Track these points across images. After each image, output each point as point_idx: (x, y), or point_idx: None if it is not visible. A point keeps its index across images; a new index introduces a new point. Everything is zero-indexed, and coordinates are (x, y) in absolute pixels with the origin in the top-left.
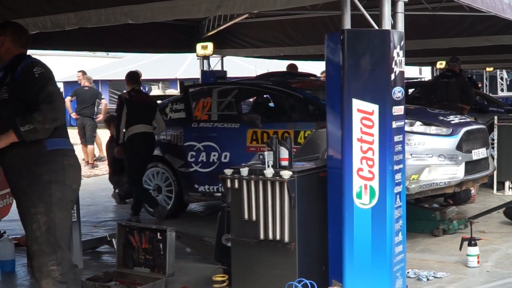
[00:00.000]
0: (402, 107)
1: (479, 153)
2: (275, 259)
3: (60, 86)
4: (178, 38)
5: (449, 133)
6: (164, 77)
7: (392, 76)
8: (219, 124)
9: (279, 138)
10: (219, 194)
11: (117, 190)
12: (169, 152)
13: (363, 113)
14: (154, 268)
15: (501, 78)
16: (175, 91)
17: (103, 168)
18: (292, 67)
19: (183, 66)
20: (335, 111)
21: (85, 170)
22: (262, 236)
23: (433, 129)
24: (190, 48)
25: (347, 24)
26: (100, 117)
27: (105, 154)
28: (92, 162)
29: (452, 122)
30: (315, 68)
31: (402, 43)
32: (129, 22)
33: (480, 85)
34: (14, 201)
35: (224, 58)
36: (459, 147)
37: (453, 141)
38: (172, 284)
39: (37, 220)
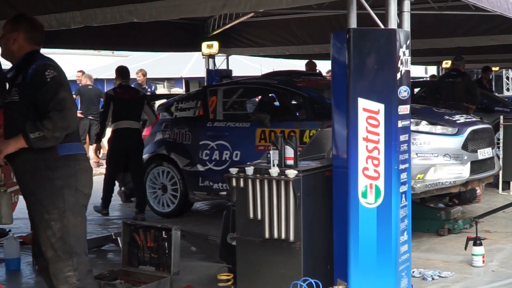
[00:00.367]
0: (407, 106)
1: (484, 153)
2: (280, 258)
3: None
4: (183, 37)
5: (454, 132)
6: (169, 76)
7: (398, 75)
8: (231, 123)
9: (285, 137)
10: None
11: (123, 188)
12: (174, 151)
13: (369, 112)
14: (159, 266)
15: (507, 78)
16: (180, 90)
17: None
18: (310, 64)
19: (189, 65)
20: (341, 110)
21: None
22: (267, 235)
23: (438, 129)
24: (195, 47)
25: (353, 23)
26: None
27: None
28: (97, 160)
29: (458, 121)
30: (321, 67)
31: (408, 42)
32: (134, 20)
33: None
34: (20, 200)
35: (229, 57)
36: (464, 146)
37: (459, 140)
38: (177, 282)
39: (51, 226)
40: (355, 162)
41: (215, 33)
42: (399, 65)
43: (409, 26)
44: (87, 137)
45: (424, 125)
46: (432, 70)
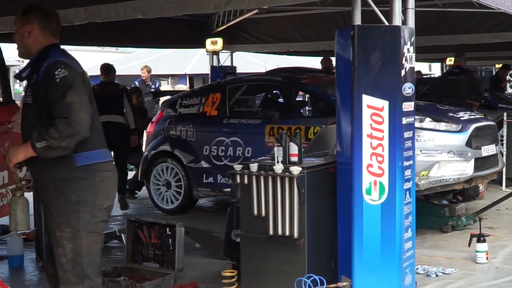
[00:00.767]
0: (412, 103)
1: (488, 150)
2: (284, 255)
3: None
4: (187, 34)
5: (458, 129)
6: (173, 72)
7: (403, 72)
8: (244, 120)
9: (291, 133)
10: None
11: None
12: (178, 148)
13: (373, 109)
14: (163, 263)
15: (511, 75)
16: (184, 87)
17: None
18: (326, 61)
19: (193, 61)
20: (345, 107)
21: None
22: (271, 232)
23: (442, 126)
24: (199, 43)
25: (358, 20)
26: None
27: None
28: None
29: (462, 118)
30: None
31: (412, 39)
32: (138, 17)
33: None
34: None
35: (233, 54)
36: (468, 143)
37: (463, 137)
38: (181, 279)
39: (63, 245)
40: (359, 159)
41: (219, 29)
42: (403, 62)
43: (414, 23)
44: None
45: (428, 122)
46: (436, 67)
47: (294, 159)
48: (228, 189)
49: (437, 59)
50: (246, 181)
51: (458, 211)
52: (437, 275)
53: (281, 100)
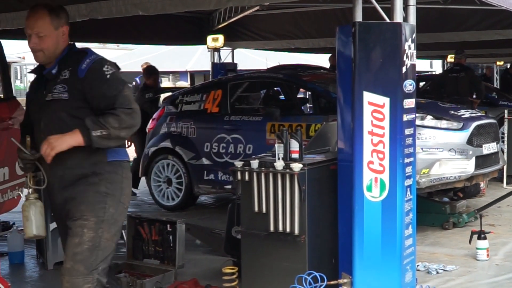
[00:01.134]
0: (413, 100)
1: (489, 148)
2: (285, 251)
3: None
4: (188, 30)
5: (459, 127)
6: (174, 69)
7: (404, 69)
8: (245, 117)
9: (293, 130)
10: None
11: None
12: (179, 144)
13: (374, 106)
14: (163, 260)
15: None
16: (185, 83)
17: None
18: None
19: (194, 58)
20: (346, 104)
21: None
22: (272, 229)
23: (444, 123)
24: (200, 40)
25: (359, 17)
26: None
27: None
28: None
29: (463, 116)
30: (325, 61)
31: (413, 36)
32: (139, 13)
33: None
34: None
35: (234, 51)
36: (469, 141)
37: (464, 135)
38: (181, 276)
39: (82, 234)
40: (360, 156)
41: (220, 26)
42: (404, 58)
43: (415, 20)
44: None
45: (429, 120)
46: (437, 64)
47: (295, 155)
48: (229, 186)
49: (438, 56)
50: (246, 177)
51: (459, 208)
52: (437, 272)
53: (282, 96)
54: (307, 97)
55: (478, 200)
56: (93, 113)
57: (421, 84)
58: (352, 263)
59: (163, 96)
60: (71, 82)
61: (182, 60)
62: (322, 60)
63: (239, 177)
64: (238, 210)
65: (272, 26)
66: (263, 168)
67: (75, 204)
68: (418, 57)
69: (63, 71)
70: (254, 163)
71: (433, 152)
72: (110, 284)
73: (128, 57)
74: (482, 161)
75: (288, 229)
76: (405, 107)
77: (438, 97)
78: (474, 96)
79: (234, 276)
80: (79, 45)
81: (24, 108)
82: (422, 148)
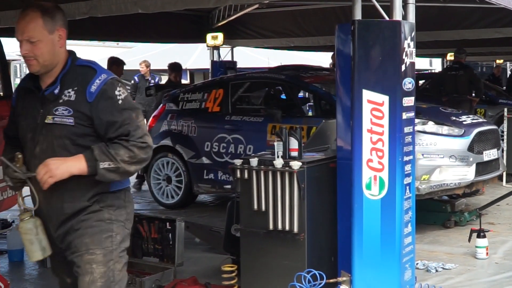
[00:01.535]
0: (412, 98)
1: (490, 154)
2: (284, 249)
3: None
4: (188, 28)
5: (461, 133)
6: None
7: (403, 67)
8: (246, 117)
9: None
10: None
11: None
12: (180, 143)
13: (373, 104)
14: (163, 258)
15: (511, 70)
16: (184, 81)
17: None
18: None
19: (193, 56)
20: (345, 102)
21: None
22: (271, 227)
23: (445, 129)
24: (200, 38)
25: (358, 15)
26: None
27: None
28: None
29: (464, 122)
30: (326, 59)
31: (413, 34)
32: (139, 11)
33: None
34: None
35: (234, 49)
36: (470, 148)
37: (465, 142)
38: (181, 274)
39: (92, 271)
40: (359, 154)
41: (220, 24)
42: (403, 57)
43: (414, 18)
44: None
45: (431, 126)
46: (437, 62)
47: (294, 154)
48: (229, 186)
49: (437, 55)
50: (246, 175)
51: (458, 207)
52: (437, 270)
53: (283, 95)
54: (308, 96)
55: (477, 198)
56: (100, 141)
57: (421, 82)
58: (351, 261)
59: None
60: (77, 105)
61: (182, 58)
62: (322, 58)
63: (238, 175)
64: (237, 208)
65: (272, 24)
66: (262, 166)
67: (77, 236)
68: (417, 55)
69: (67, 90)
70: (254, 161)
71: (434, 159)
72: None
73: (128, 55)
74: (482, 168)
75: (287, 227)
76: (404, 105)
77: (437, 95)
78: (473, 94)
79: (234, 274)
80: (78, 43)
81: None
82: (423, 154)
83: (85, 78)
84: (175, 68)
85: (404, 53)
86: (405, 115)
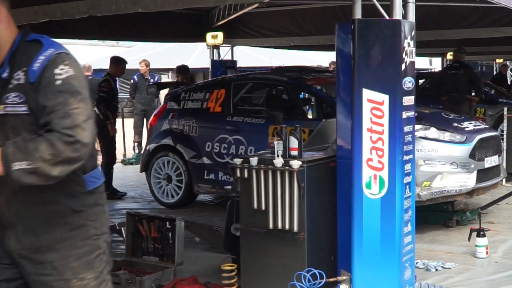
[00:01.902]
0: (412, 97)
1: (491, 161)
2: (284, 248)
3: None
4: (188, 28)
5: (463, 140)
6: (174, 66)
7: (403, 66)
8: (248, 118)
9: None
10: None
11: None
12: (181, 143)
13: (373, 103)
14: (163, 257)
15: (511, 70)
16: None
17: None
18: None
19: (193, 55)
20: (345, 101)
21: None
22: (271, 226)
23: (447, 136)
24: (200, 37)
25: (358, 14)
26: None
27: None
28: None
29: (466, 129)
30: (325, 58)
31: (413, 33)
32: (139, 10)
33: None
34: None
35: (234, 48)
36: (472, 155)
37: (466, 149)
38: (180, 273)
39: None
40: (359, 153)
41: (219, 23)
42: (403, 56)
43: (414, 17)
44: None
45: (433, 132)
46: (437, 61)
47: (294, 153)
48: (229, 187)
49: (437, 54)
50: (246, 175)
51: (457, 206)
52: (436, 270)
53: (284, 96)
54: (309, 97)
55: (477, 198)
56: None
57: (421, 81)
58: (351, 260)
59: (162, 94)
60: (26, 89)
61: (182, 57)
62: (322, 57)
63: (238, 174)
64: (237, 207)
65: (272, 23)
66: (262, 165)
67: (61, 258)
68: (417, 55)
69: (16, 72)
70: (253, 160)
71: (435, 165)
72: None
73: (128, 54)
74: (483, 174)
75: (287, 226)
76: (404, 104)
77: (437, 94)
78: (473, 93)
79: (233, 273)
80: (78, 43)
81: None
82: (424, 161)
83: (31, 55)
84: (182, 71)
85: (404, 52)
86: (405, 114)
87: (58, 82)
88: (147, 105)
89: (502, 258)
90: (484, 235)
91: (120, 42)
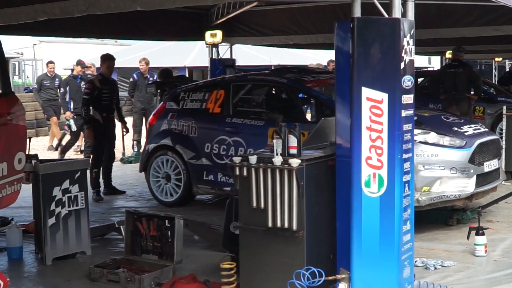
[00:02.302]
0: (411, 95)
1: (491, 165)
2: (283, 247)
3: (66, 75)
4: (187, 26)
5: (462, 145)
6: (173, 65)
7: (402, 65)
8: (247, 120)
9: None
10: None
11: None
12: (180, 143)
13: (373, 101)
14: (162, 255)
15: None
16: None
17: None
18: None
19: (192, 54)
20: (344, 100)
21: None
22: (270, 224)
23: (447, 140)
24: (199, 36)
25: (357, 12)
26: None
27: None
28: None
29: (466, 133)
30: (324, 57)
31: (412, 31)
32: (138, 9)
33: None
34: (23, 188)
35: (234, 47)
36: (471, 160)
37: (466, 154)
38: (180, 271)
39: None
40: (358, 152)
41: (218, 22)
42: (403, 54)
43: (413, 15)
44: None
45: (432, 136)
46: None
47: (293, 151)
48: (228, 188)
49: (436, 52)
50: (245, 173)
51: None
52: (435, 268)
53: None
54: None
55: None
56: None
57: (420, 80)
58: (350, 258)
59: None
60: None
61: (181, 56)
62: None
63: (237, 172)
64: (236, 205)
65: (271, 21)
66: (261, 164)
67: None
68: (416, 53)
69: None
70: (253, 159)
71: (435, 170)
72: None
73: (126, 53)
74: (483, 179)
75: (286, 225)
76: (403, 102)
77: (436, 93)
78: (472, 92)
79: (232, 272)
80: (77, 41)
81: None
82: (423, 166)
83: None
84: (164, 74)
85: (403, 51)
86: (404, 113)
87: None
88: (146, 103)
89: (501, 257)
90: (483, 234)
91: (119, 41)
